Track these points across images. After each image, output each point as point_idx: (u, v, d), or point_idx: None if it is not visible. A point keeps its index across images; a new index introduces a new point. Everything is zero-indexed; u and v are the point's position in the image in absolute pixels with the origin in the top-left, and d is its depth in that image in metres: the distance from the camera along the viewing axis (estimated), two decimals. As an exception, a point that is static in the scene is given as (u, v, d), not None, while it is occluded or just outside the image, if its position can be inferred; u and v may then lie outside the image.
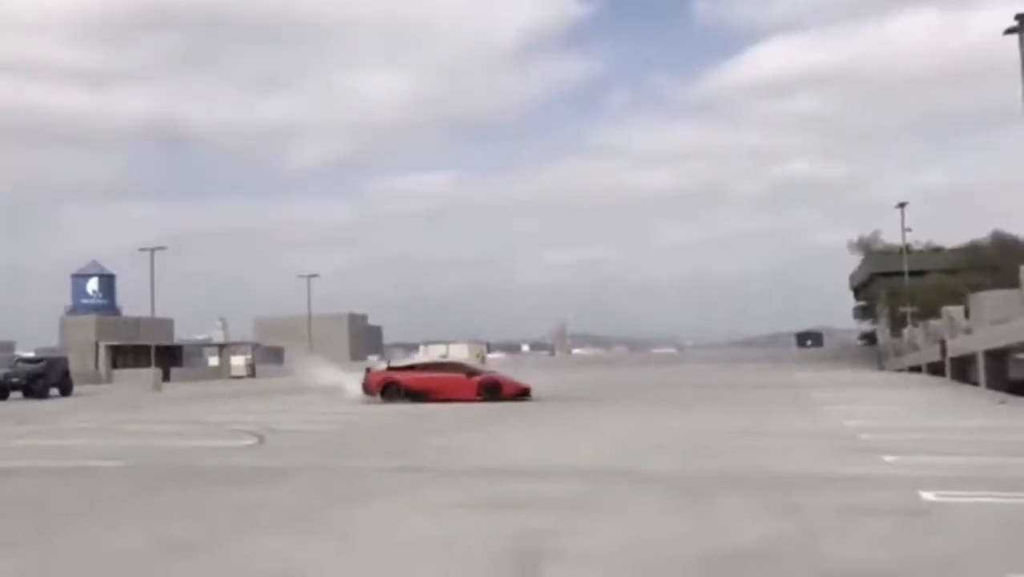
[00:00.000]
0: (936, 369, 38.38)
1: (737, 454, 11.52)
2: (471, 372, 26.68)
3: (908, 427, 15.35)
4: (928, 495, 7.89)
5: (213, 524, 7.36)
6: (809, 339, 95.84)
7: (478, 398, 24.32)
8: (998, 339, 27.75)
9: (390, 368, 28.18)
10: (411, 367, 28.30)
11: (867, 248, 66.85)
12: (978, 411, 19.09)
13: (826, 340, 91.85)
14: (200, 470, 11.17)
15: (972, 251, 56.22)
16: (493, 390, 24.79)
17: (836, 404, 21.37)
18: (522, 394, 25.12)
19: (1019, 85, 24.99)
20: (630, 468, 10.24)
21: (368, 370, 27.48)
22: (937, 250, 61.02)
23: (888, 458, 10.74)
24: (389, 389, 25.09)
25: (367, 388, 25.59)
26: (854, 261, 70.42)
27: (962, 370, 33.75)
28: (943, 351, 36.16)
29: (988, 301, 30.46)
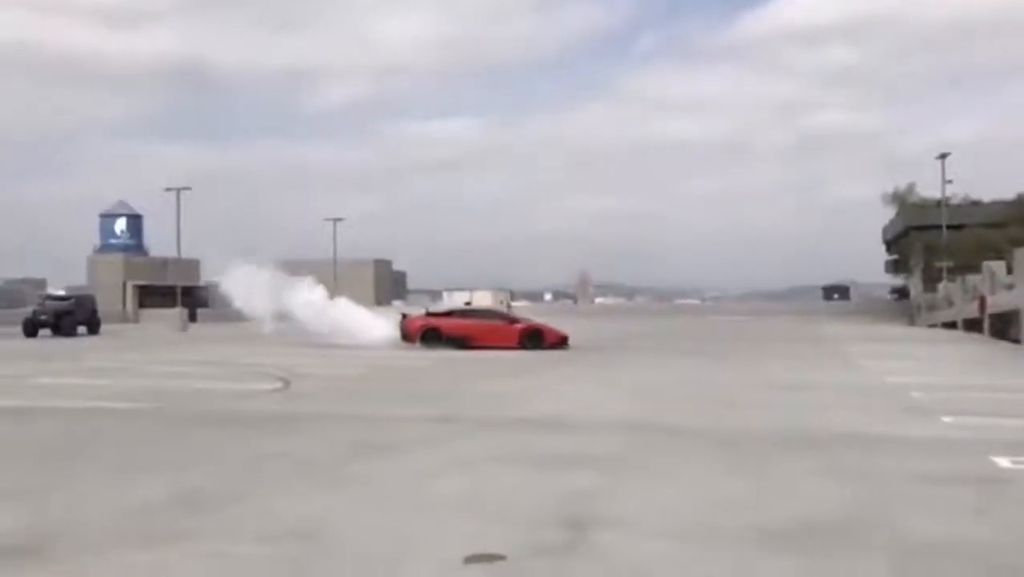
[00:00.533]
0: (972, 325, 37.38)
1: (783, 409, 10.95)
2: (512, 320, 26.42)
3: (958, 385, 14.67)
4: (1003, 461, 7.30)
5: (232, 476, 6.93)
6: (836, 292, 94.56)
7: (518, 346, 23.92)
8: (1044, 296, 26.80)
9: (429, 314, 27.70)
10: (450, 313, 27.99)
11: (902, 201, 65.15)
12: (1026, 370, 18.35)
13: (852, 294, 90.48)
14: (221, 415, 10.78)
15: (1018, 204, 54.48)
16: (535, 338, 24.38)
17: (875, 359, 20.68)
18: (561, 343, 24.73)
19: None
20: (675, 423, 9.69)
21: (404, 316, 26.95)
22: (976, 203, 59.27)
23: (946, 419, 10.12)
24: (429, 335, 24.69)
25: (405, 334, 25.15)
26: (884, 214, 68.78)
27: (1002, 327, 32.80)
28: (982, 307, 35.14)
29: (1034, 256, 29.38)
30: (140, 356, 22.85)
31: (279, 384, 14.66)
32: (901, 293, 71.18)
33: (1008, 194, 59.41)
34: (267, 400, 12.59)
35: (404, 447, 8.19)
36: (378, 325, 26.52)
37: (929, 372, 17.40)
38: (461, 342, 24.10)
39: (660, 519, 5.49)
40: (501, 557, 4.70)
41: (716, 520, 5.49)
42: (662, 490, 6.25)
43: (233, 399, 12.56)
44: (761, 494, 6.18)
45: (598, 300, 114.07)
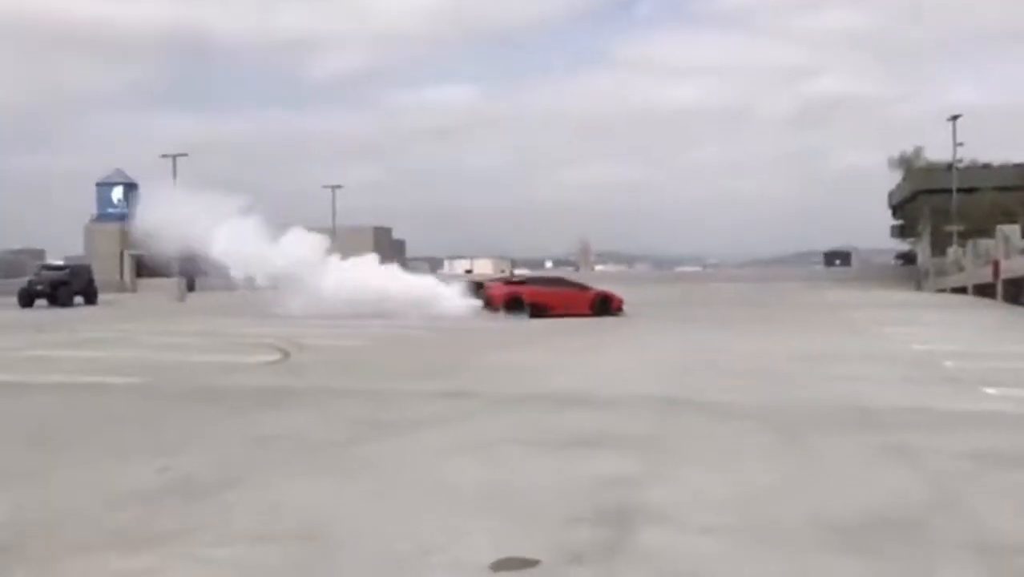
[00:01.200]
0: (984, 291, 36.75)
1: (813, 381, 10.33)
2: (584, 287, 26.92)
3: (988, 354, 14.05)
4: (1069, 439, 6.68)
5: (227, 458, 6.31)
6: (838, 258, 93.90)
7: (590, 313, 24.35)
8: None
9: (507, 282, 27.79)
10: (527, 281, 28.34)
11: (908, 165, 64.20)
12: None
13: (853, 260, 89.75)
14: (217, 390, 10.16)
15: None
16: (605, 305, 25.07)
17: (894, 325, 20.06)
18: (620, 308, 25.23)
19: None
20: (703, 398, 9.04)
21: (482, 284, 26.61)
22: (986, 167, 58.30)
23: (990, 391, 9.51)
24: (512, 303, 24.41)
25: (488, 302, 24.69)
26: (889, 179, 67.87)
27: (1015, 293, 32.17)
28: (996, 272, 34.47)
29: (1052, 219, 28.67)
30: (135, 327, 22.23)
31: (279, 356, 14.05)
32: (907, 258, 70.47)
33: (1016, 158, 58.51)
34: (267, 373, 11.98)
35: (414, 427, 7.56)
36: (453, 294, 25.30)
37: (954, 339, 16.79)
38: (542, 310, 24.08)
39: (708, 513, 4.87)
40: (533, 562, 4.09)
41: (770, 513, 4.88)
42: (705, 477, 5.62)
43: (231, 372, 11.94)
44: (816, 481, 5.56)
45: (598, 268, 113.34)
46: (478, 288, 25.89)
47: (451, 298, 24.98)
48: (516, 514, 4.87)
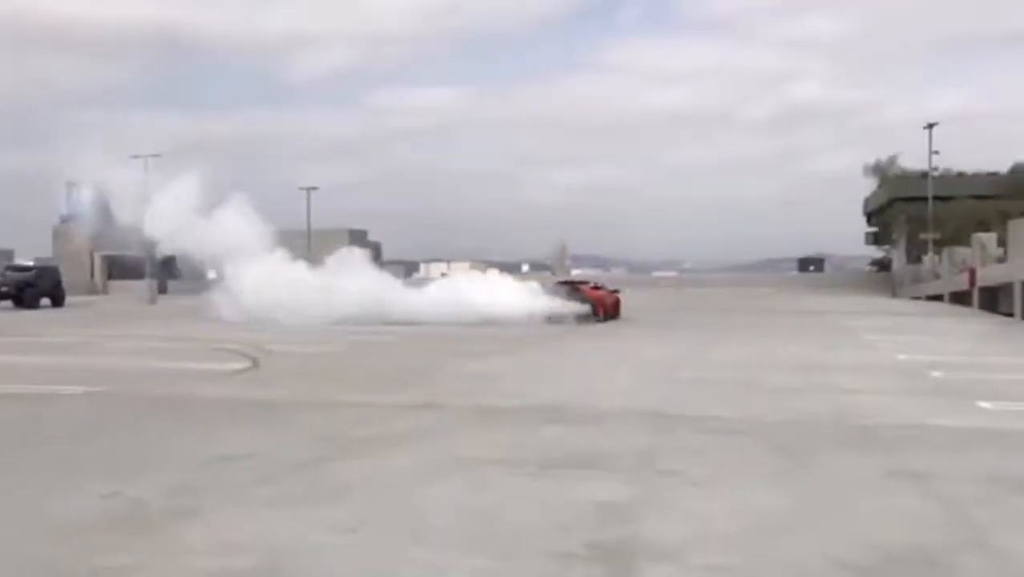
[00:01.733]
0: (960, 298, 36.80)
1: (807, 395, 9.94)
2: (613, 291, 27.41)
3: (973, 364, 13.78)
4: (1082, 460, 6.32)
5: (184, 482, 5.78)
6: (811, 264, 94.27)
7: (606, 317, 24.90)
8: (1043, 269, 26.08)
9: (593, 285, 27.69)
10: (580, 284, 28.10)
11: (883, 172, 64.51)
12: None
13: (827, 266, 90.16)
14: (180, 402, 9.59)
15: (1011, 176, 53.79)
16: (617, 308, 26.07)
17: (876, 334, 19.83)
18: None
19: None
20: (695, 412, 8.61)
21: (577, 288, 26.25)
22: (961, 175, 58.65)
23: (984, 404, 9.18)
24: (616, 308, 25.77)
25: (595, 309, 24.44)
26: (863, 186, 68.22)
27: (991, 300, 32.18)
28: (972, 280, 34.50)
29: (1031, 228, 28.65)
30: (100, 331, 21.50)
31: (248, 364, 13.47)
32: (881, 265, 70.79)
33: (989, 167, 58.96)
34: (233, 383, 11.41)
35: (388, 444, 7.07)
36: (526, 298, 23.46)
37: (936, 349, 16.53)
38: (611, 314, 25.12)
39: (712, 547, 4.43)
40: (524, 610, 3.62)
41: (778, 548, 4.44)
42: (706, 505, 5.18)
43: (196, 382, 11.35)
44: (825, 510, 5.14)
45: (575, 272, 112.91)
46: (572, 291, 25.50)
47: (556, 304, 23.32)
48: (501, 549, 4.40)
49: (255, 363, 13.55)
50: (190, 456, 6.63)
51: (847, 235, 76.67)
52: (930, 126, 50.19)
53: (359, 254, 25.52)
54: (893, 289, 55.13)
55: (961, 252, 40.11)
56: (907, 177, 59.18)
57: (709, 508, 5.11)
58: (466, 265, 68.62)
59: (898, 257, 61.63)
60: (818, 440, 7.13)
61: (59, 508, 5.17)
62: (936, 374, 11.96)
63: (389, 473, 6.07)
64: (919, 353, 15.04)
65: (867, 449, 6.78)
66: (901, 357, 14.47)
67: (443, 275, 48.06)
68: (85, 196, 75.83)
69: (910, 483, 5.70)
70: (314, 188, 74.45)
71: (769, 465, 6.24)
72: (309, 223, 74.53)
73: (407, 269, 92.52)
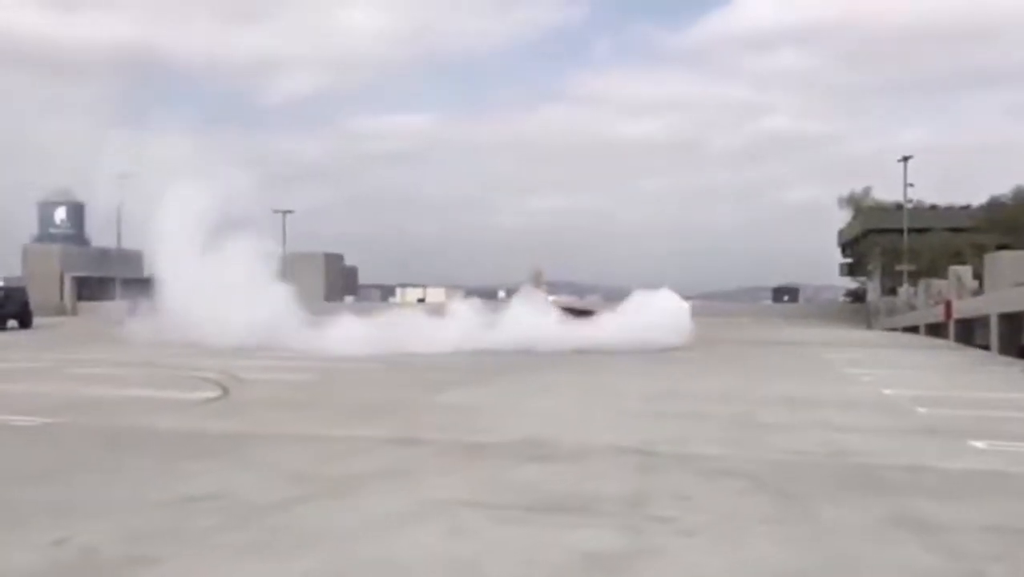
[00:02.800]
0: (934, 331, 36.94)
1: (797, 433, 9.65)
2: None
3: (958, 399, 13.58)
4: (1092, 509, 6.06)
5: (143, 526, 5.36)
6: (786, 294, 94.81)
7: None
8: (1019, 302, 26.17)
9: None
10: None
11: (857, 204, 65.19)
12: (1017, 381, 17.45)
13: (800, 296, 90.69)
14: (143, 434, 9.13)
15: (989, 209, 54.37)
16: None
17: (858, 367, 19.65)
18: None
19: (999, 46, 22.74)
20: (682, 450, 8.27)
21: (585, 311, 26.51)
22: (933, 208, 59.32)
23: (978, 444, 8.94)
24: None
25: None
26: (834, 217, 68.95)
27: (966, 333, 32.29)
28: (948, 312, 34.63)
29: (1006, 261, 28.84)
30: (66, 355, 20.87)
31: (218, 392, 13.00)
32: (856, 296, 71.27)
33: (959, 200, 59.70)
34: (202, 413, 10.94)
35: (360, 484, 6.67)
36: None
37: (920, 383, 16.35)
38: None
39: (714, 607, 4.09)
40: None
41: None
42: (703, 558, 4.84)
43: (162, 412, 10.88)
44: (832, 567, 4.82)
45: (551, 298, 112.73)
46: (581, 315, 26.04)
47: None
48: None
49: (225, 391, 13.08)
50: (151, 497, 6.20)
51: (821, 266, 77.10)
52: (905, 159, 50.77)
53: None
54: (868, 320, 55.43)
55: (937, 284, 40.35)
56: (882, 209, 59.77)
57: (707, 562, 4.77)
58: (441, 291, 68.18)
59: (873, 288, 62.05)
60: (813, 482, 6.82)
61: (5, 558, 4.73)
62: (922, 410, 11.75)
63: (360, 517, 5.68)
64: (903, 388, 14.84)
65: (866, 493, 6.48)
66: (887, 392, 14.27)
67: (420, 300, 47.40)
68: (59, 215, 74.54)
69: (916, 533, 5.40)
70: (289, 212, 73.66)
71: (766, 510, 5.91)
72: (284, 247, 73.79)
73: (383, 293, 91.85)
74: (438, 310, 26.55)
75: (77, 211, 75.46)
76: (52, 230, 74.88)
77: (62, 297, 68.68)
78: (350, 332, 21.64)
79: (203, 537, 5.19)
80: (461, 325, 23.20)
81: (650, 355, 23.07)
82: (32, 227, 75.25)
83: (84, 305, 66.35)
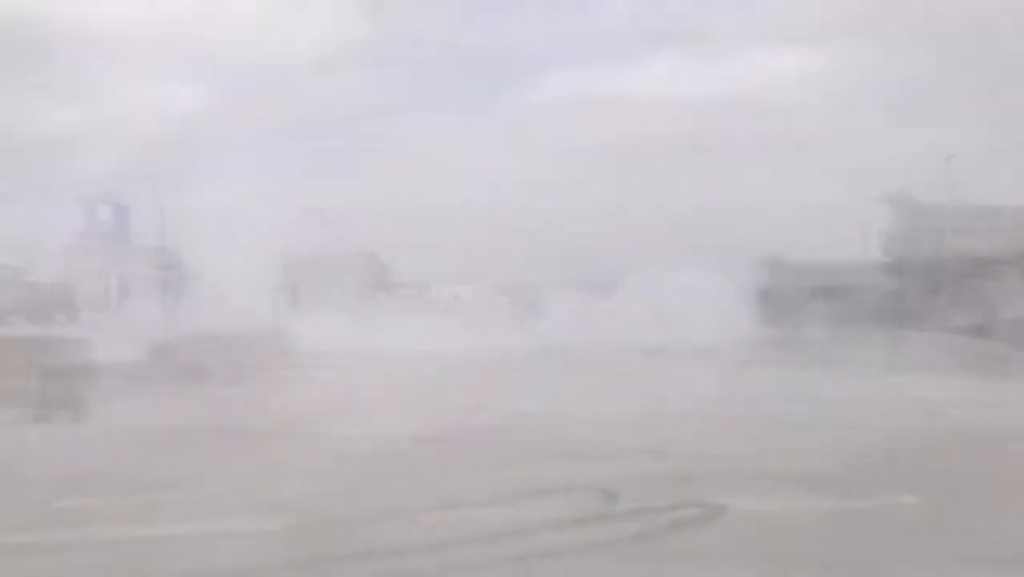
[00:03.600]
0: (972, 331, 36.38)
1: (870, 436, 9.72)
2: None
3: (981, 401, 13.60)
4: None
5: None
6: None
7: None
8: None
9: None
10: None
11: (896, 203, 64.06)
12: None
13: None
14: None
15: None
16: None
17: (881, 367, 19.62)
18: None
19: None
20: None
21: None
22: (976, 207, 57.92)
23: (1018, 447, 9.04)
24: None
25: None
26: (865, 216, 67.63)
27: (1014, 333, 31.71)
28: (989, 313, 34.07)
29: None
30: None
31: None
32: (892, 296, 70.07)
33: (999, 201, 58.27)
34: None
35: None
36: None
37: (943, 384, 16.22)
38: None
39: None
40: None
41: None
42: None
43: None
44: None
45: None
46: None
47: None
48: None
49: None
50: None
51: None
52: (948, 158, 49.83)
53: None
54: (902, 320, 54.64)
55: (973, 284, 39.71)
56: (921, 208, 58.74)
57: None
58: (479, 287, 67.66)
59: (911, 288, 61.09)
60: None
61: None
62: (953, 412, 11.84)
63: None
64: (932, 389, 14.88)
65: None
66: (919, 393, 14.34)
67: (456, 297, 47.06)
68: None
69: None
70: (323, 211, 73.61)
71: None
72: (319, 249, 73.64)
73: (420, 292, 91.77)
74: None
75: (120, 211, 76.18)
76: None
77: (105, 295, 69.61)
78: None
79: None
80: None
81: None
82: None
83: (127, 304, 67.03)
